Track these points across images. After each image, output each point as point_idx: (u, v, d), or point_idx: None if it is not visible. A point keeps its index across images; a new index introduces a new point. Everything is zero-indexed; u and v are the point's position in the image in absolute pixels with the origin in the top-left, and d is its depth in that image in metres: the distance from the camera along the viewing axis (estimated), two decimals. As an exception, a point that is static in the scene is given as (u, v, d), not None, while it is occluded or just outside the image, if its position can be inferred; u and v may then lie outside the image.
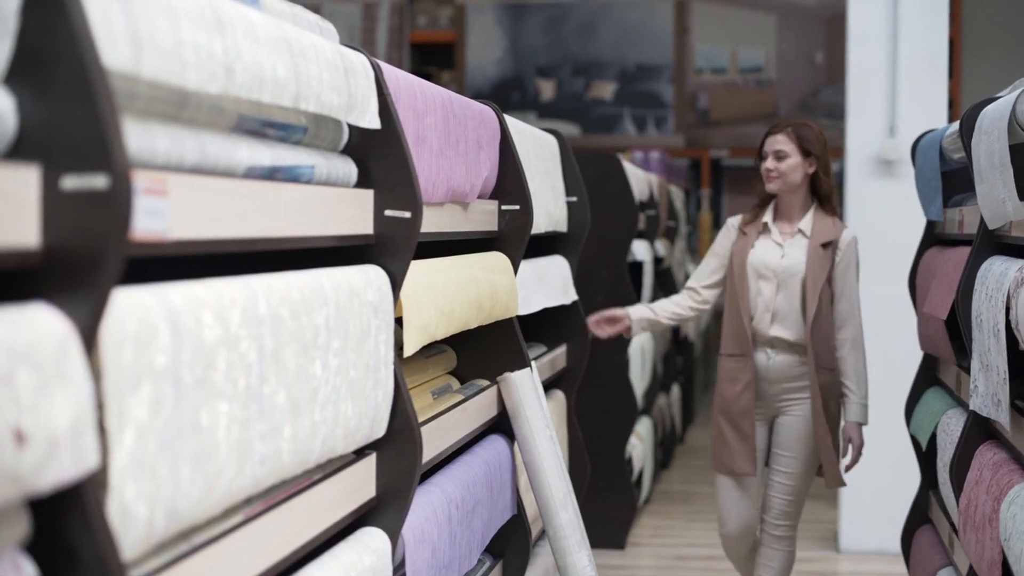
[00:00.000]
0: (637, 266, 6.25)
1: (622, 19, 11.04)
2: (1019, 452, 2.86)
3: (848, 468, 4.32)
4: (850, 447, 4.29)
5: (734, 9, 10.92)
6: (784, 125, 4.27)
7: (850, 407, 4.26)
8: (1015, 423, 2.85)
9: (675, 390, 8.26)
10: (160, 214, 1.51)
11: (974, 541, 3.02)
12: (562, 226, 4.26)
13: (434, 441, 2.68)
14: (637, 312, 4.49)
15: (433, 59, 11.26)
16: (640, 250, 6.23)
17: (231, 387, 1.66)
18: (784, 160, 4.19)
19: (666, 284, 7.47)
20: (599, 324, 4.48)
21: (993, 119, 2.98)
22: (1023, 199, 2.83)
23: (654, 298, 6.73)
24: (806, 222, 4.23)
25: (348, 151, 2.33)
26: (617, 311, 4.50)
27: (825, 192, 4.26)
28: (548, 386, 4.07)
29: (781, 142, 4.22)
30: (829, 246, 4.19)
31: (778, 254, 4.23)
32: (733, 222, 4.39)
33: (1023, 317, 2.59)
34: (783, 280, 4.20)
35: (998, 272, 2.91)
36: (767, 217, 4.28)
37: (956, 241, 3.84)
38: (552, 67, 11.18)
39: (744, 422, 4.23)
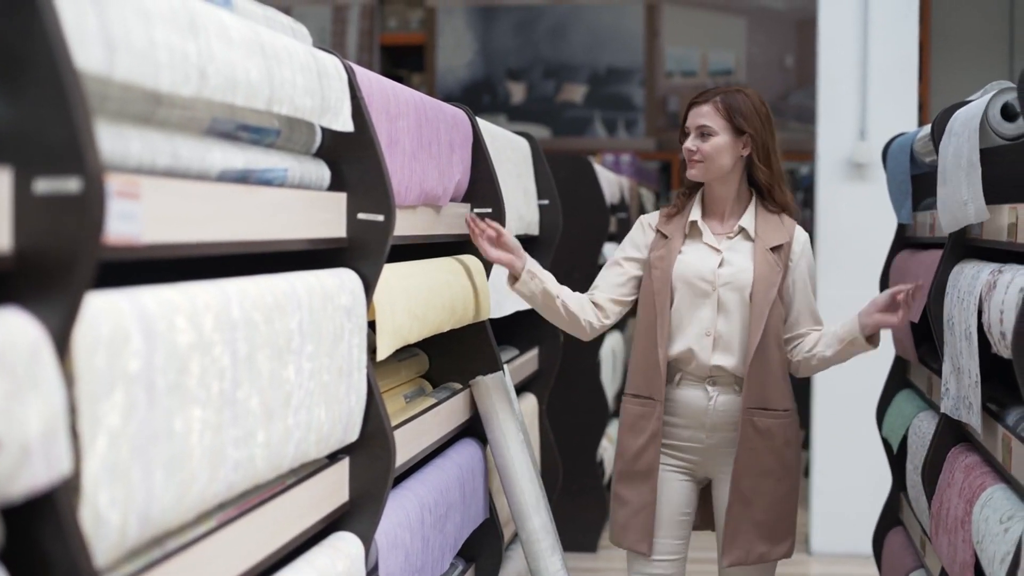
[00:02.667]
0: (608, 269, 6.23)
1: (593, 22, 11.05)
2: (990, 455, 2.87)
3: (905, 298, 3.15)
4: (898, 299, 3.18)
5: (704, 12, 10.94)
6: (713, 94, 3.27)
7: (839, 329, 3.28)
8: (986, 426, 2.86)
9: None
10: (133, 217, 1.50)
11: (946, 543, 3.02)
12: (534, 229, 4.25)
13: (407, 445, 2.67)
14: (539, 273, 3.29)
15: (403, 61, 11.23)
16: (611, 252, 6.22)
17: (204, 392, 1.65)
18: (709, 139, 3.22)
19: (637, 287, 7.47)
20: (485, 235, 3.25)
21: (964, 121, 2.99)
22: (991, 204, 2.84)
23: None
24: (748, 219, 3.28)
25: (321, 154, 2.31)
26: (515, 252, 3.28)
27: (763, 183, 3.28)
28: (520, 389, 4.06)
29: (706, 115, 3.24)
30: (779, 250, 3.26)
31: (715, 261, 3.25)
32: (648, 220, 3.37)
33: (995, 320, 2.60)
34: (724, 295, 3.22)
35: (970, 275, 2.92)
36: (695, 215, 3.30)
37: (927, 244, 3.85)
38: (523, 70, 11.17)
39: (646, 485, 3.25)
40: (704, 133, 3.23)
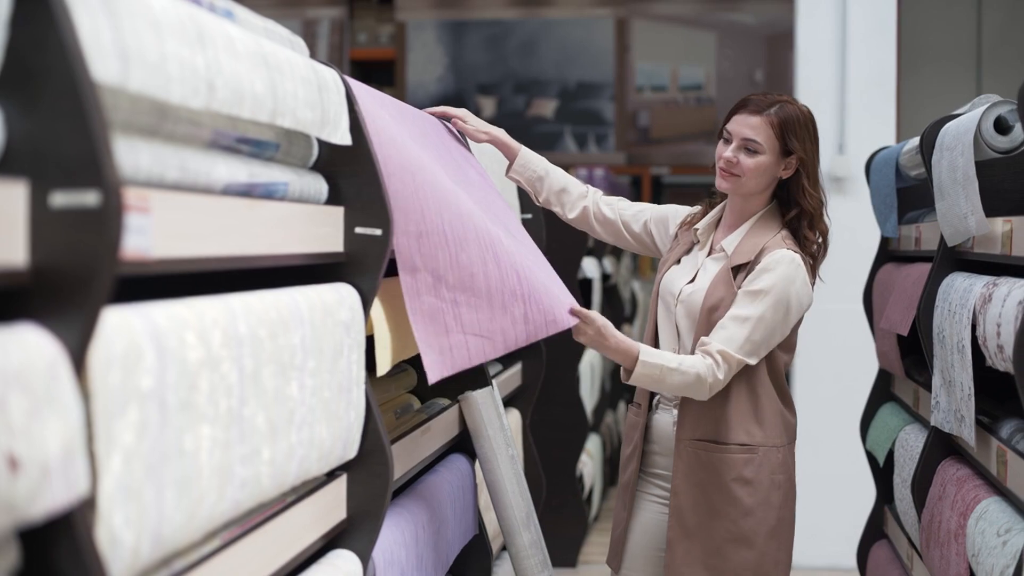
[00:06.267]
0: (586, 283, 6.24)
1: (563, 37, 11.06)
2: (982, 467, 2.86)
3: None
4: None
5: (675, 27, 10.97)
6: (767, 104, 2.93)
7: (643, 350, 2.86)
8: (979, 439, 2.86)
9: (621, 407, 8.26)
10: (144, 232, 1.47)
11: (938, 557, 3.02)
12: (517, 243, 4.23)
13: (400, 461, 2.64)
14: (534, 162, 3.46)
15: (374, 76, 11.20)
16: (589, 267, 6.22)
17: (213, 409, 1.62)
18: (754, 156, 2.93)
19: (613, 301, 7.48)
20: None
21: (956, 135, 3.00)
22: (989, 215, 2.85)
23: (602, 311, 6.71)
24: (733, 238, 3.01)
25: (317, 168, 2.29)
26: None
27: (809, 209, 3.00)
28: (504, 404, 4.04)
29: (756, 128, 2.92)
30: (743, 269, 2.96)
31: (689, 276, 3.04)
32: (676, 218, 3.23)
33: (991, 334, 2.59)
34: (679, 313, 3.01)
35: (961, 288, 2.92)
36: (703, 224, 3.11)
37: (912, 257, 3.86)
38: (493, 85, 11.16)
39: (624, 497, 3.13)
40: (750, 149, 2.92)
